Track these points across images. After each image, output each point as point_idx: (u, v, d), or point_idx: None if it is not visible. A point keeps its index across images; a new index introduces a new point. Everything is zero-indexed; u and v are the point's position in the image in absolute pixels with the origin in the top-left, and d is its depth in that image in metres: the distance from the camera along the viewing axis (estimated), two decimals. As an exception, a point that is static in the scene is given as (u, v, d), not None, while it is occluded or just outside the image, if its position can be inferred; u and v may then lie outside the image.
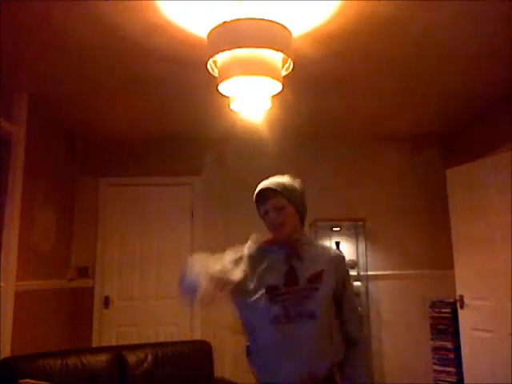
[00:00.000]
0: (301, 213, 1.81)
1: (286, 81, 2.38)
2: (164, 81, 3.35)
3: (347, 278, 1.81)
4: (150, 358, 2.79)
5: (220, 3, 2.35)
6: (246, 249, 1.82)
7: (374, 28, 2.67)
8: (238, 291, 1.71)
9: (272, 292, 1.69)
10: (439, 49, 2.96)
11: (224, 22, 2.17)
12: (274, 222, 1.75)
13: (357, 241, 4.69)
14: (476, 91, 3.68)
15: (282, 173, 1.94)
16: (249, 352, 1.77)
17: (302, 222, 1.83)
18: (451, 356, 4.17)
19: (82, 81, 3.37)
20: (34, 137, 3.66)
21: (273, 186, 1.77)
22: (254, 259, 1.78)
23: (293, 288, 1.69)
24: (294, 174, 1.97)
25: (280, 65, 2.30)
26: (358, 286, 4.50)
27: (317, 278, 1.71)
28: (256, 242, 1.83)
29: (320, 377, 1.64)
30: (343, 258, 1.84)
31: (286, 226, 1.76)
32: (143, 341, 3.96)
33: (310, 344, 1.64)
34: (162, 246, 4.60)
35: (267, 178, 1.88)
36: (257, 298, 1.69)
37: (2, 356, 3.00)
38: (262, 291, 1.69)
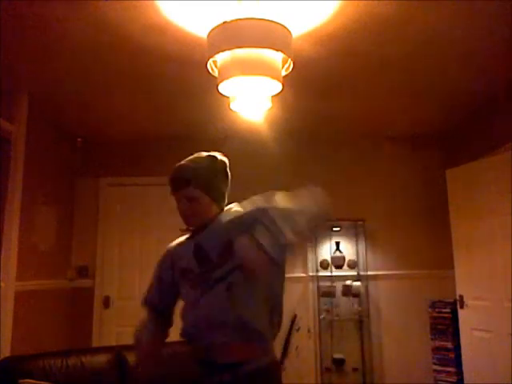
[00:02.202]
0: (216, 198, 1.70)
1: (286, 81, 2.38)
2: (164, 81, 3.35)
3: (257, 210, 1.57)
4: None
5: (220, 3, 2.35)
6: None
7: (373, 28, 2.67)
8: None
9: (188, 275, 1.67)
10: (439, 49, 2.96)
11: (224, 22, 2.17)
12: (184, 212, 1.67)
13: (357, 241, 4.69)
14: (476, 91, 3.68)
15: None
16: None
17: (219, 204, 1.72)
18: (451, 356, 4.16)
19: (82, 81, 3.36)
20: (34, 137, 3.66)
21: (184, 176, 1.67)
22: (179, 246, 1.79)
23: (206, 266, 1.62)
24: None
25: (280, 65, 2.30)
26: (357, 286, 4.50)
27: (227, 247, 1.55)
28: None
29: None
30: (240, 211, 1.67)
31: (196, 217, 1.68)
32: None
33: (207, 305, 1.59)
34: (162, 246, 4.58)
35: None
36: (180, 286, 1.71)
37: (2, 356, 3.00)
38: (178, 276, 1.72)
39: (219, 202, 1.73)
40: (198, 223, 1.69)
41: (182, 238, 1.81)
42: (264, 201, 1.61)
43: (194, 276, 1.65)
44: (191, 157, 1.78)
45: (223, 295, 1.56)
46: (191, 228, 1.75)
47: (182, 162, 1.74)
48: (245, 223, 1.55)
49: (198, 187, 1.66)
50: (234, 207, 1.73)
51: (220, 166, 1.77)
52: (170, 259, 1.81)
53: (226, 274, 1.57)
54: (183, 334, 1.69)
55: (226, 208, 1.74)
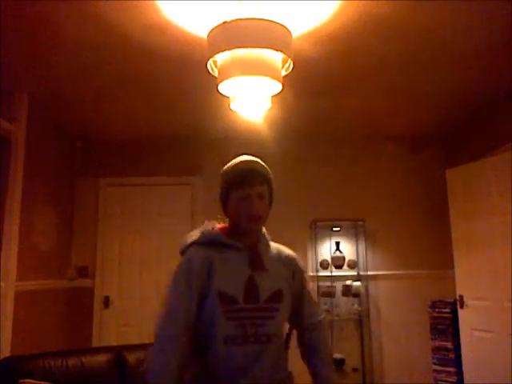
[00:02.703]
0: (270, 205, 1.60)
1: (286, 81, 2.38)
2: (164, 80, 3.35)
3: (303, 277, 1.68)
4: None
5: (220, 3, 2.35)
6: (193, 238, 1.57)
7: (373, 28, 2.67)
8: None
9: (228, 304, 1.45)
10: (439, 49, 2.96)
11: (224, 22, 2.17)
12: (256, 211, 1.50)
13: (357, 241, 4.69)
14: (476, 91, 3.68)
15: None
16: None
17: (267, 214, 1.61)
18: (451, 356, 4.16)
19: (82, 81, 3.37)
20: (33, 137, 3.66)
21: (262, 172, 1.55)
22: (205, 251, 1.52)
23: (253, 305, 1.47)
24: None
25: (280, 65, 2.30)
26: (357, 286, 4.50)
27: (278, 296, 1.51)
28: (207, 230, 1.58)
29: None
30: (296, 257, 1.69)
31: (262, 221, 1.54)
32: (143, 341, 3.96)
33: (260, 370, 1.46)
34: (162, 246, 4.60)
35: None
36: (209, 305, 1.45)
37: (2, 356, 3.00)
38: (214, 298, 1.44)
39: (269, 211, 1.61)
40: (260, 229, 1.59)
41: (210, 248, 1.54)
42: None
43: (239, 310, 1.46)
44: (247, 156, 1.62)
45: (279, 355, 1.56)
46: (237, 235, 1.56)
47: (248, 158, 1.59)
48: (299, 269, 1.66)
49: (267, 186, 1.56)
50: (278, 245, 1.69)
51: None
52: (208, 268, 1.50)
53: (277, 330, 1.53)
54: None
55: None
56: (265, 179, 1.55)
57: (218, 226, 1.60)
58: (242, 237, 1.55)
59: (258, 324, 1.46)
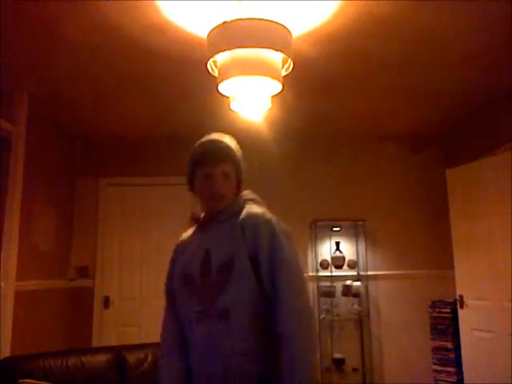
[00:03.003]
0: (241, 181, 1.58)
1: (286, 81, 2.38)
2: (164, 81, 3.35)
3: (263, 245, 1.43)
4: (149, 357, 2.78)
5: (220, 3, 2.35)
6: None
7: (373, 28, 2.67)
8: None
9: (188, 283, 1.48)
10: (439, 49, 2.96)
11: (224, 22, 2.17)
12: (218, 191, 1.49)
13: (357, 241, 4.69)
14: (476, 91, 3.68)
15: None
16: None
17: (240, 189, 1.59)
18: (451, 356, 4.16)
19: (82, 81, 3.37)
20: (34, 137, 3.67)
21: (223, 149, 1.53)
22: (182, 247, 1.60)
23: (207, 279, 1.44)
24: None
25: (280, 65, 2.30)
26: (357, 286, 4.50)
27: (228, 265, 1.41)
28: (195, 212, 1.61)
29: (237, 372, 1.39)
30: (255, 218, 1.48)
31: (225, 199, 1.51)
32: (143, 341, 3.96)
33: (221, 354, 1.40)
34: (162, 246, 4.59)
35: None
36: (179, 291, 1.51)
37: (2, 356, 3.00)
38: (178, 280, 1.52)
39: (240, 186, 1.58)
40: (223, 207, 1.51)
41: (190, 231, 1.63)
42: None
43: (194, 286, 1.47)
44: (215, 134, 1.60)
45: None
46: (202, 215, 1.58)
47: (214, 137, 1.58)
48: (256, 234, 1.45)
49: (233, 164, 1.53)
50: (259, 208, 1.55)
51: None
52: (174, 255, 1.63)
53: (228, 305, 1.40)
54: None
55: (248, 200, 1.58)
56: (229, 157, 1.53)
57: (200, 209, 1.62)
58: (208, 216, 1.56)
59: (212, 298, 1.41)
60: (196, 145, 1.59)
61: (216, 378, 1.40)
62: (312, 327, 1.44)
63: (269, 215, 1.51)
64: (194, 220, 1.61)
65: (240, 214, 1.50)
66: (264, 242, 1.43)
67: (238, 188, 1.58)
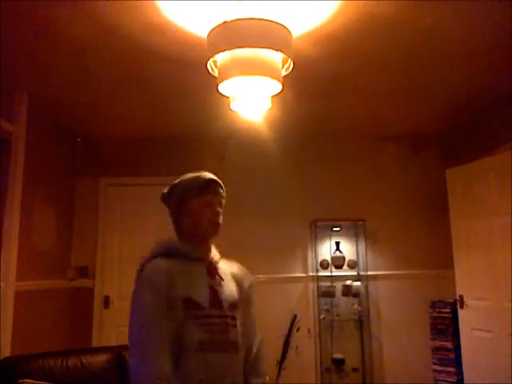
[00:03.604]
0: None
1: (286, 81, 2.38)
2: (164, 81, 3.35)
3: (249, 296, 1.65)
4: (149, 358, 2.78)
5: (220, 3, 2.35)
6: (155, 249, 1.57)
7: (373, 28, 2.66)
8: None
9: (195, 310, 1.44)
10: (439, 49, 2.96)
11: (224, 22, 2.17)
12: (217, 218, 1.57)
13: (357, 241, 4.69)
14: (476, 91, 3.68)
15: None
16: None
17: None
18: (451, 356, 4.17)
19: (82, 81, 3.37)
20: (34, 137, 3.66)
21: (220, 182, 1.62)
22: (165, 262, 1.51)
23: (218, 311, 1.49)
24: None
25: (280, 65, 2.30)
26: (357, 286, 4.50)
27: (235, 305, 1.57)
28: (167, 241, 1.60)
29: None
30: (245, 272, 1.69)
31: (219, 229, 1.60)
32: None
33: (233, 377, 1.48)
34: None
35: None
36: (176, 315, 1.42)
37: (2, 356, 3.00)
38: (181, 306, 1.43)
39: None
40: (216, 236, 1.61)
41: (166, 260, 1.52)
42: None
43: (204, 315, 1.46)
44: (202, 172, 1.65)
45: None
46: (189, 244, 1.58)
47: (206, 173, 1.63)
48: (248, 286, 1.66)
49: (224, 200, 1.65)
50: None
51: None
52: (169, 278, 1.47)
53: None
54: None
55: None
56: (223, 190, 1.63)
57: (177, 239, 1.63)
58: (198, 246, 1.58)
59: (225, 330, 1.48)
60: (187, 179, 1.61)
61: None
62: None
63: None
64: (171, 251, 1.55)
65: (224, 261, 1.66)
66: (251, 295, 1.66)
67: None
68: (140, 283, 1.55)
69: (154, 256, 1.55)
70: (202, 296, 1.48)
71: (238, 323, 1.54)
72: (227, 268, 1.64)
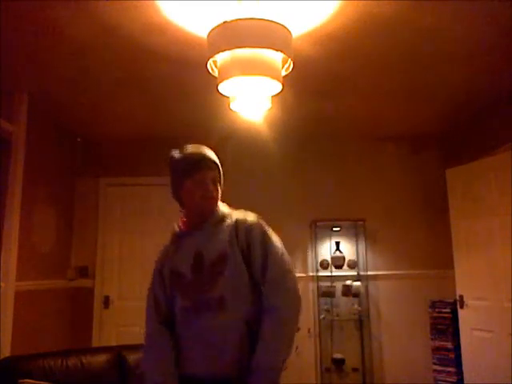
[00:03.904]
0: (221, 191, 1.75)
1: (286, 81, 2.38)
2: (164, 81, 3.35)
3: (256, 242, 1.61)
4: (149, 358, 2.78)
5: (220, 3, 2.35)
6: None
7: (373, 28, 2.66)
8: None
9: (178, 280, 1.62)
10: (439, 49, 2.96)
11: (224, 22, 2.17)
12: (210, 193, 1.64)
13: (357, 241, 4.69)
14: (476, 91, 3.68)
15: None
16: None
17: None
18: (451, 356, 4.16)
19: (82, 81, 3.37)
20: (34, 137, 3.66)
21: (213, 158, 1.68)
22: (168, 247, 1.72)
23: (198, 275, 1.59)
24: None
25: (280, 65, 2.30)
26: (357, 286, 4.50)
27: (220, 260, 1.58)
28: (171, 229, 1.75)
29: (230, 371, 1.53)
30: (244, 220, 1.66)
31: (215, 201, 1.68)
32: (143, 341, 3.96)
33: (221, 333, 1.54)
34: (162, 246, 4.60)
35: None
36: (168, 286, 1.65)
37: (2, 356, 3.00)
38: (168, 278, 1.65)
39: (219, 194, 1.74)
40: (214, 208, 1.67)
41: (167, 244, 1.75)
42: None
43: (186, 283, 1.61)
44: (194, 146, 1.73)
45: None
46: (185, 222, 1.71)
47: (196, 148, 1.70)
48: (246, 235, 1.63)
49: (218, 172, 1.69)
50: (246, 213, 1.71)
51: None
52: (159, 270, 1.72)
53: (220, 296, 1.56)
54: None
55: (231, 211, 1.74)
56: (215, 165, 1.68)
57: (180, 220, 1.74)
58: (197, 220, 1.67)
59: (205, 291, 1.57)
60: (177, 156, 1.69)
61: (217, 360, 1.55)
62: (297, 305, 1.61)
63: (258, 218, 1.70)
64: (177, 233, 1.72)
65: (226, 218, 1.68)
66: (257, 241, 1.61)
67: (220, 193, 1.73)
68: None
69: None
70: (186, 266, 1.61)
71: (225, 276, 1.56)
72: (230, 221, 1.66)
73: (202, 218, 1.66)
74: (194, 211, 1.67)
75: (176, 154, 1.69)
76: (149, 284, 1.74)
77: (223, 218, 1.68)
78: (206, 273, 1.58)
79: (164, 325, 1.66)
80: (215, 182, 1.67)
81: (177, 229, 1.72)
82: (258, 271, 1.60)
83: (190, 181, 1.63)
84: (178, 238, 1.70)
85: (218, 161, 1.70)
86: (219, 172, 1.70)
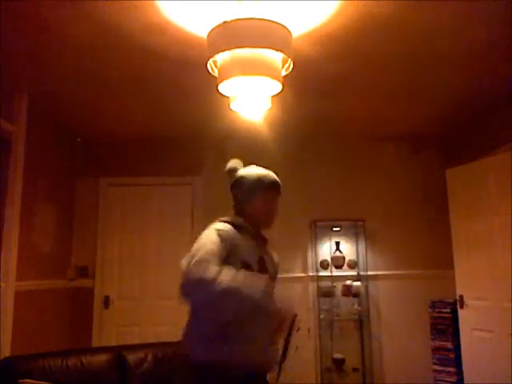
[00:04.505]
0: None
1: (286, 81, 2.38)
2: (164, 81, 3.35)
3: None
4: (149, 357, 2.78)
5: (220, 3, 2.35)
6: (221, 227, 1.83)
7: (373, 28, 2.66)
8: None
9: (246, 269, 1.74)
10: (439, 49, 2.96)
11: (224, 22, 2.17)
12: (275, 213, 1.94)
13: (357, 241, 4.69)
14: (476, 91, 3.68)
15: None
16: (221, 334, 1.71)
17: None
18: (451, 356, 4.17)
19: (82, 81, 3.37)
20: (34, 137, 3.67)
21: (280, 184, 1.96)
22: (233, 238, 1.80)
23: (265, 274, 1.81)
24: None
25: (280, 65, 2.30)
26: (357, 286, 4.50)
27: (274, 276, 1.96)
28: (234, 217, 1.91)
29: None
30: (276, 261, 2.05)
31: (274, 220, 1.97)
32: (143, 341, 3.96)
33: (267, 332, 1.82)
34: (162, 246, 4.60)
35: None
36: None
37: (2, 356, 3.00)
38: (237, 265, 1.71)
39: None
40: (270, 228, 1.97)
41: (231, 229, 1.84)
42: None
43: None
44: (263, 168, 2.00)
45: None
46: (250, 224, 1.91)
47: (268, 170, 1.99)
48: None
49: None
50: None
51: None
52: (230, 242, 1.77)
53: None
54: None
55: None
56: (281, 191, 1.96)
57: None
58: (254, 228, 1.91)
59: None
60: (260, 174, 1.94)
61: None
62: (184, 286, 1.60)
63: None
64: (236, 225, 1.86)
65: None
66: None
67: None
68: (210, 230, 1.79)
69: (224, 221, 1.85)
70: (253, 261, 1.81)
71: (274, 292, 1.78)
72: (270, 249, 2.02)
73: (260, 229, 1.95)
74: (253, 222, 1.91)
75: (244, 171, 1.96)
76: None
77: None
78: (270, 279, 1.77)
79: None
80: (277, 204, 1.95)
81: (243, 220, 1.88)
82: None
83: (264, 196, 1.90)
84: (241, 231, 1.84)
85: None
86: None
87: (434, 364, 4.31)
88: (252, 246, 1.85)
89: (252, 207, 1.91)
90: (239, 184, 1.94)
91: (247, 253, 1.80)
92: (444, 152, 4.81)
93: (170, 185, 4.74)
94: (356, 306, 4.51)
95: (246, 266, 1.74)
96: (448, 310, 4.24)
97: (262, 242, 1.95)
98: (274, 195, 1.93)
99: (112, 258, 4.62)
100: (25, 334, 3.48)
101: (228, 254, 1.71)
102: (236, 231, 1.82)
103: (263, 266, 1.85)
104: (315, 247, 4.61)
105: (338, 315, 4.51)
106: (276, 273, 1.98)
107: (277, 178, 1.96)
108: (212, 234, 1.74)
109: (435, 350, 4.32)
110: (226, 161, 2.00)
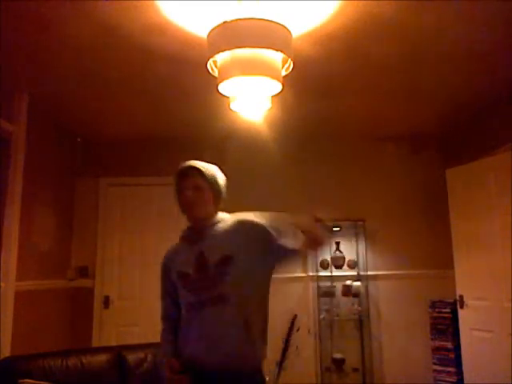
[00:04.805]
0: (217, 196, 1.84)
1: (286, 81, 2.38)
2: (164, 81, 3.35)
3: (261, 232, 1.80)
4: (149, 357, 2.78)
5: (220, 3, 2.35)
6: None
7: (373, 28, 2.66)
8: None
9: (184, 279, 1.77)
10: (439, 49, 2.96)
11: (224, 22, 2.17)
12: (189, 200, 1.77)
13: (357, 241, 4.69)
14: (476, 91, 3.68)
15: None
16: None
17: (218, 204, 1.86)
18: (451, 356, 4.17)
19: (82, 81, 3.36)
20: (34, 137, 3.66)
21: (195, 165, 1.79)
22: (172, 254, 1.90)
23: (202, 274, 1.73)
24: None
25: (280, 65, 2.30)
26: (357, 286, 4.50)
27: (226, 260, 1.72)
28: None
29: (233, 362, 1.68)
30: (247, 219, 1.83)
31: (200, 208, 1.78)
32: (143, 341, 3.96)
33: (222, 328, 1.68)
34: (162, 246, 4.58)
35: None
36: (175, 284, 1.82)
37: (2, 356, 3.00)
38: (175, 277, 1.80)
39: (218, 201, 1.85)
40: (200, 215, 1.79)
41: (177, 243, 1.92)
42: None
43: (191, 281, 1.77)
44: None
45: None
46: (189, 226, 1.87)
47: (194, 160, 1.86)
48: (254, 232, 1.79)
49: (205, 179, 1.77)
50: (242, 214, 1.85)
51: (223, 175, 1.90)
52: (166, 265, 1.91)
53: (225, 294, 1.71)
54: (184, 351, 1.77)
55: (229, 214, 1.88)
56: (199, 172, 1.78)
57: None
58: (193, 225, 1.84)
59: (209, 288, 1.70)
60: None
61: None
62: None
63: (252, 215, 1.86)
64: (181, 236, 1.90)
65: (227, 221, 1.83)
66: (266, 234, 1.80)
67: (216, 200, 1.84)
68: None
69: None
70: (189, 266, 1.75)
71: (231, 276, 1.69)
72: (230, 224, 1.81)
73: (196, 222, 1.82)
74: (186, 217, 1.83)
75: None
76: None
77: (221, 220, 1.83)
78: (210, 273, 1.71)
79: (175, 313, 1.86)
80: (198, 187, 1.77)
81: (184, 230, 1.88)
82: (276, 241, 1.78)
83: (176, 191, 1.81)
84: (182, 240, 1.88)
85: (206, 169, 1.80)
86: (207, 179, 1.78)
87: (434, 364, 4.32)
88: (189, 250, 1.81)
89: (177, 204, 1.84)
90: None
91: (183, 261, 1.80)
92: (444, 152, 4.81)
93: (170, 185, 4.71)
94: (356, 306, 4.51)
95: (182, 276, 1.78)
96: (448, 310, 4.24)
97: (198, 235, 1.80)
98: (186, 183, 1.77)
99: (112, 258, 4.62)
100: (25, 333, 3.48)
101: (168, 276, 1.86)
102: (179, 242, 1.89)
103: (202, 260, 1.74)
104: (315, 247, 4.60)
105: (338, 315, 4.51)
106: (234, 249, 1.75)
107: (189, 163, 1.81)
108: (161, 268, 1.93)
109: (435, 349, 4.32)
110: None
